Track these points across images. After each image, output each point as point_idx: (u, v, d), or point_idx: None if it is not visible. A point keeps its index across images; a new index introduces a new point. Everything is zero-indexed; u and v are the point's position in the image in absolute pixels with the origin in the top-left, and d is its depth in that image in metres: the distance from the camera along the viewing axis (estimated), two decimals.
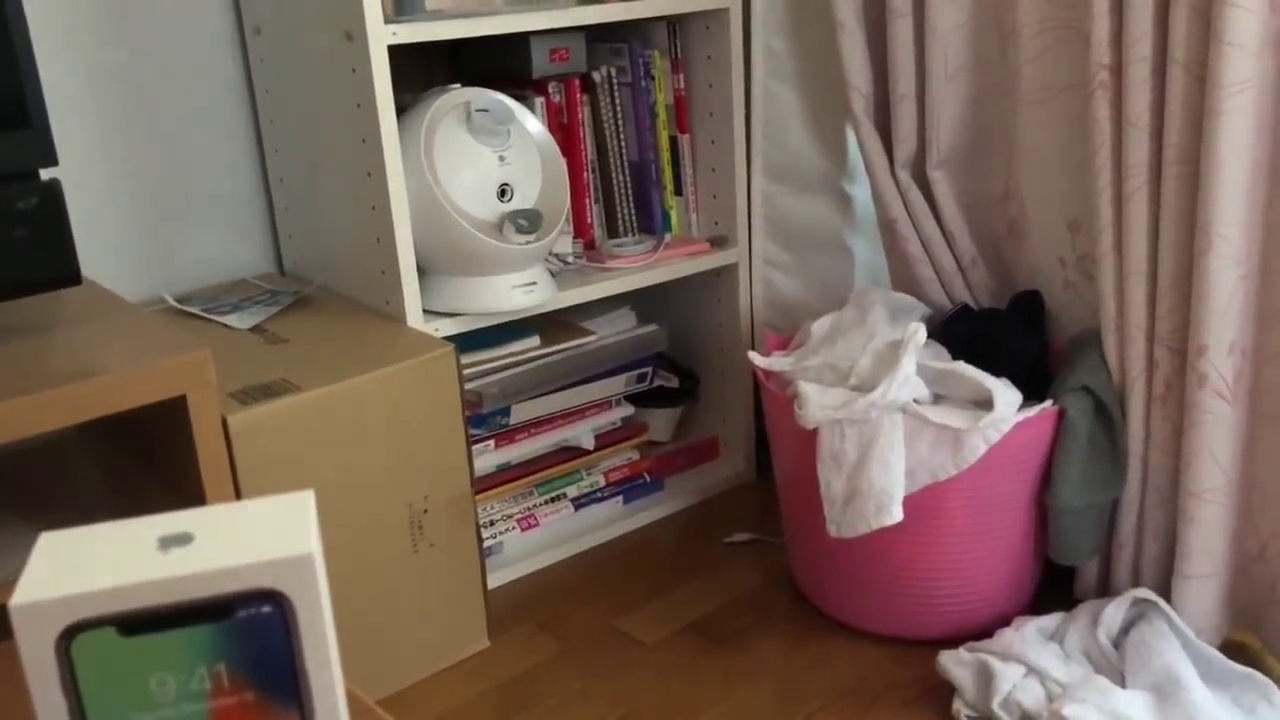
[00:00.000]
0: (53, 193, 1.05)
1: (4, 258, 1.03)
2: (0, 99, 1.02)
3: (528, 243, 1.46)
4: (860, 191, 1.74)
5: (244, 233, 1.69)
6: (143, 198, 1.59)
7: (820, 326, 1.56)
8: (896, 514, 1.31)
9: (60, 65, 1.49)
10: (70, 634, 0.39)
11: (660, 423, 1.90)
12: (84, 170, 1.53)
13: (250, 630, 0.41)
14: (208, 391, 1.08)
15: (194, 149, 1.62)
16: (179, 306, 1.54)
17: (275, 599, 0.41)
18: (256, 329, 1.46)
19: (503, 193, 1.48)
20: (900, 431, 1.32)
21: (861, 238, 1.78)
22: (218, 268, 1.67)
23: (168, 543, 0.42)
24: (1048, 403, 1.35)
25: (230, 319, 1.49)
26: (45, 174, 1.06)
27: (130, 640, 0.40)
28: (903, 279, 1.64)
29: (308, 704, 0.42)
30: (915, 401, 1.34)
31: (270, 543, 0.41)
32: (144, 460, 1.26)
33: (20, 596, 0.39)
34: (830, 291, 1.78)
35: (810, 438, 1.38)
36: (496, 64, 1.65)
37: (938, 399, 1.38)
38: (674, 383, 1.88)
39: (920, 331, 1.36)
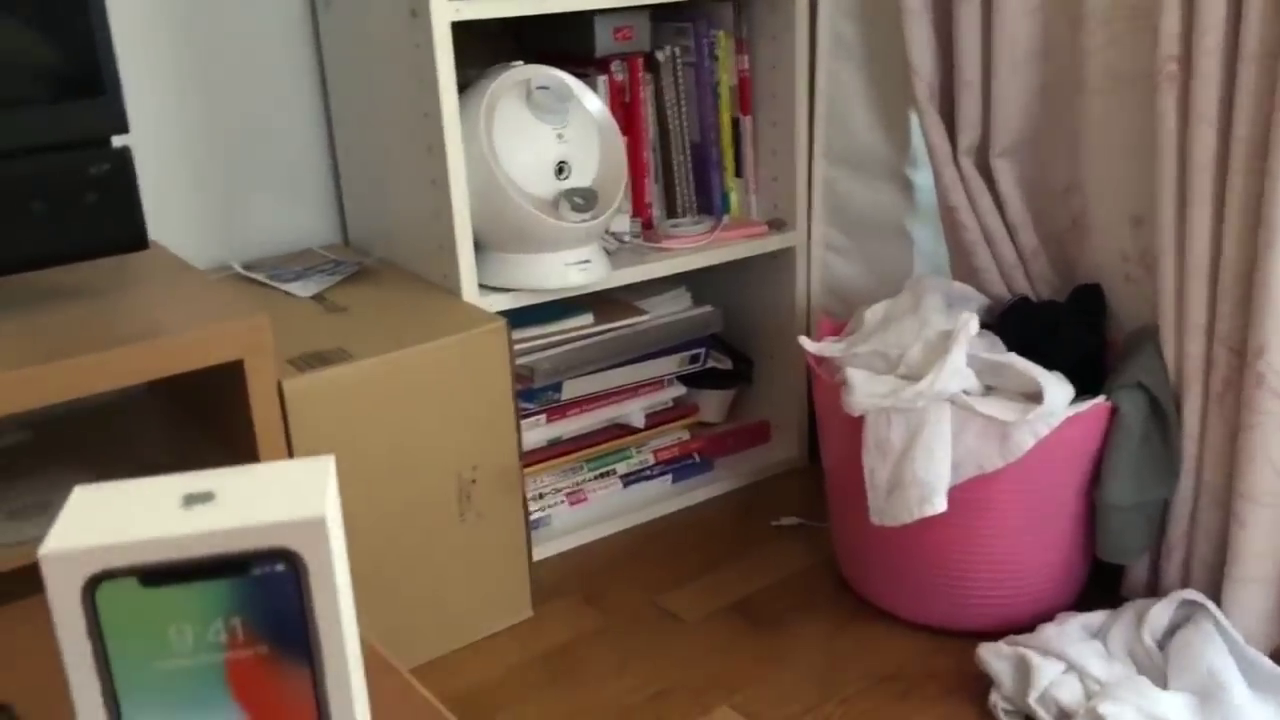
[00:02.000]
0: (123, 159, 1.08)
1: (75, 221, 1.07)
2: (75, 68, 1.06)
3: (583, 221, 1.47)
4: (923, 178, 1.73)
5: (310, 203, 1.72)
6: (214, 166, 1.63)
7: (874, 313, 1.55)
8: (940, 504, 1.30)
9: (135, 35, 1.53)
10: (95, 583, 0.41)
11: (712, 404, 1.91)
12: (157, 138, 1.57)
13: (265, 587, 0.43)
14: (264, 357, 1.11)
15: (264, 120, 1.65)
16: (245, 273, 1.58)
17: (289, 558, 0.42)
18: (317, 297, 1.50)
19: (560, 170, 1.49)
20: (947, 422, 1.31)
21: (923, 225, 1.76)
22: (284, 237, 1.71)
23: (191, 500, 0.44)
24: (1100, 398, 1.33)
25: (293, 287, 1.52)
26: (117, 141, 1.10)
27: (151, 591, 0.42)
28: (962, 268, 1.62)
29: (318, 660, 0.44)
30: (964, 392, 1.33)
31: (287, 504, 0.43)
32: (203, 422, 1.30)
33: (49, 546, 0.41)
34: (889, 278, 1.77)
35: (858, 425, 1.38)
36: (560, 42, 1.66)
37: (988, 390, 1.37)
38: (727, 365, 1.89)
39: (972, 322, 1.35)
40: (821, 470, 1.59)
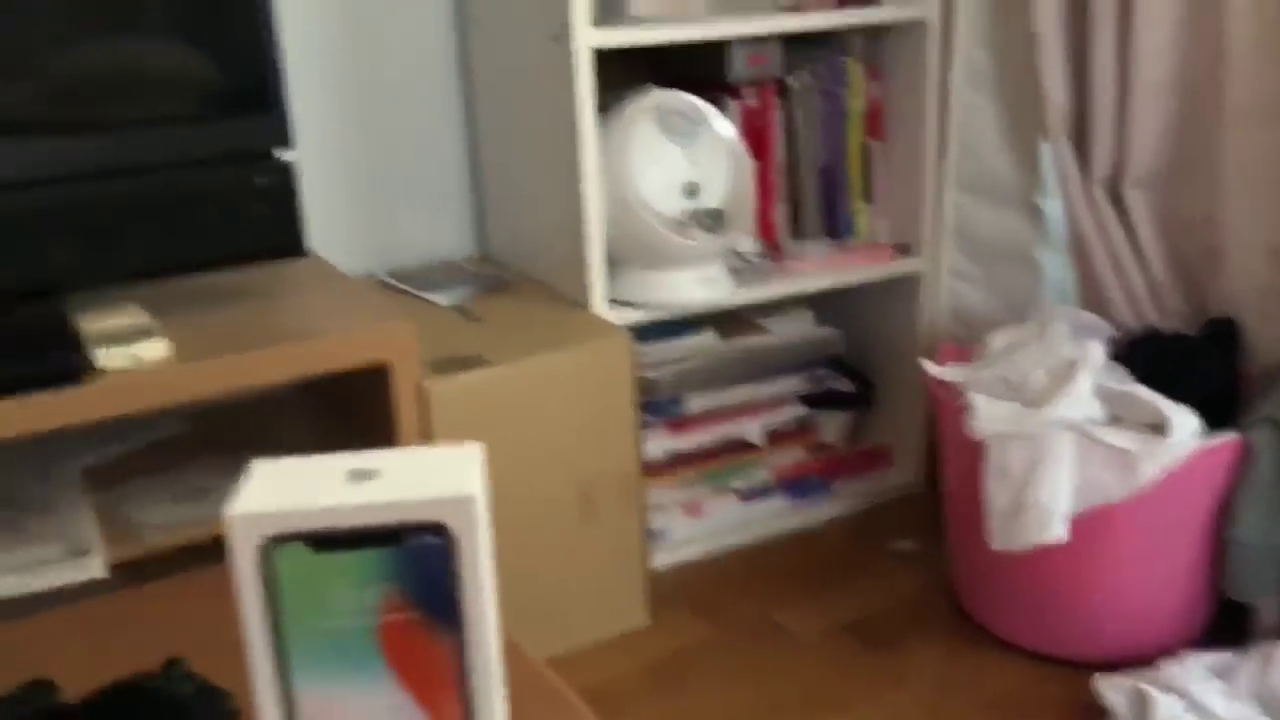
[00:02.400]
0: (288, 172, 1.17)
1: (241, 229, 1.16)
2: (247, 86, 1.15)
3: (710, 240, 1.51)
4: (1053, 206, 1.72)
5: (453, 217, 1.81)
6: (365, 180, 1.72)
7: (999, 340, 1.55)
8: (1060, 532, 1.30)
9: (299, 55, 1.64)
10: (271, 545, 0.47)
11: (832, 426, 1.92)
12: (314, 152, 1.67)
13: (419, 557, 0.47)
14: (409, 360, 1.18)
15: (413, 137, 1.74)
16: (391, 282, 1.67)
17: (441, 532, 0.47)
18: (457, 307, 1.57)
19: (690, 191, 1.54)
20: (1070, 450, 1.30)
21: (1052, 253, 1.75)
22: (427, 248, 1.80)
23: (356, 476, 0.49)
24: (1232, 433, 1.31)
25: (434, 296, 1.60)
26: (282, 155, 1.18)
27: (319, 555, 0.47)
28: (1091, 297, 1.61)
29: (464, 629, 0.49)
30: (1089, 421, 1.32)
31: (442, 483, 0.48)
32: (348, 419, 1.39)
33: (235, 508, 0.47)
34: (1016, 306, 1.76)
35: (978, 450, 1.39)
36: (695, 67, 1.71)
37: (1113, 420, 1.36)
38: (849, 387, 1.90)
39: (1098, 351, 1.34)
40: (940, 497, 1.59)
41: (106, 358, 1.06)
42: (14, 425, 1.02)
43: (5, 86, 1.05)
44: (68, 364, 1.04)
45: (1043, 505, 1.30)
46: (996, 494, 1.36)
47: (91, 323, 1.13)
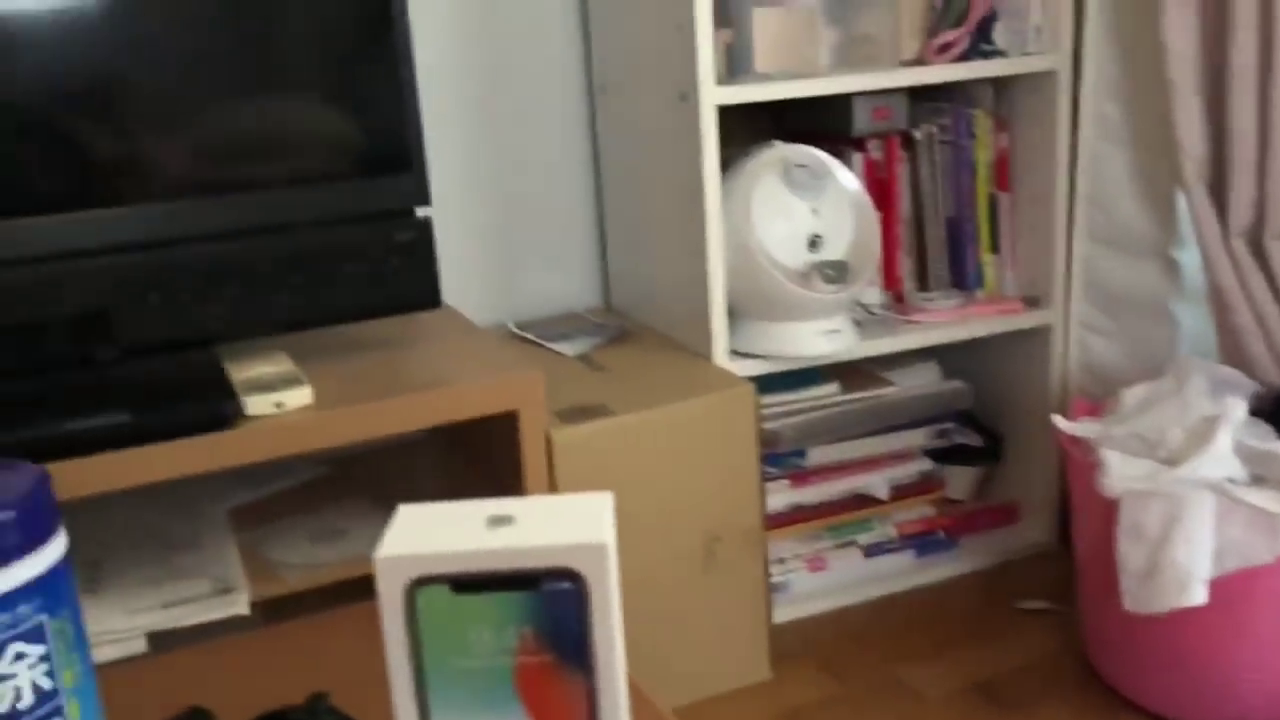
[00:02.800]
0: (425, 228, 1.22)
1: (381, 282, 1.21)
2: (389, 148, 1.21)
3: (833, 292, 1.52)
4: (1189, 258, 1.67)
5: (579, 270, 1.85)
6: (494, 233, 1.78)
7: (1134, 395, 1.51)
8: (1199, 595, 1.25)
9: (435, 117, 1.71)
10: (416, 585, 0.49)
11: (959, 481, 1.89)
12: (449, 209, 1.74)
13: (553, 602, 0.49)
14: (537, 409, 1.22)
15: (542, 193, 1.80)
16: (518, 332, 1.72)
17: (574, 578, 0.49)
18: (582, 357, 1.61)
19: (813, 243, 1.55)
20: (1209, 510, 1.26)
21: (1189, 306, 1.70)
22: (554, 300, 1.84)
23: (494, 522, 0.51)
24: None
25: (560, 346, 1.64)
26: (420, 212, 1.24)
27: (459, 597, 0.49)
28: (1231, 352, 1.56)
29: (594, 673, 0.50)
30: (1229, 480, 1.28)
31: (574, 530, 0.50)
32: (476, 465, 1.42)
33: (384, 550, 0.49)
34: (1150, 360, 1.71)
35: (1112, 508, 1.35)
36: (818, 121, 1.73)
37: (1256, 480, 1.31)
38: (976, 441, 1.87)
39: (1239, 407, 1.30)
40: (1071, 555, 1.55)
41: (255, 405, 1.12)
42: (169, 468, 1.09)
43: (164, 150, 1.13)
44: (219, 410, 1.10)
45: (1180, 567, 1.26)
46: (1131, 554, 1.32)
47: (241, 371, 1.19)
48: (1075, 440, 1.48)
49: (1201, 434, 1.33)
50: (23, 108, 1.08)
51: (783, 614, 1.69)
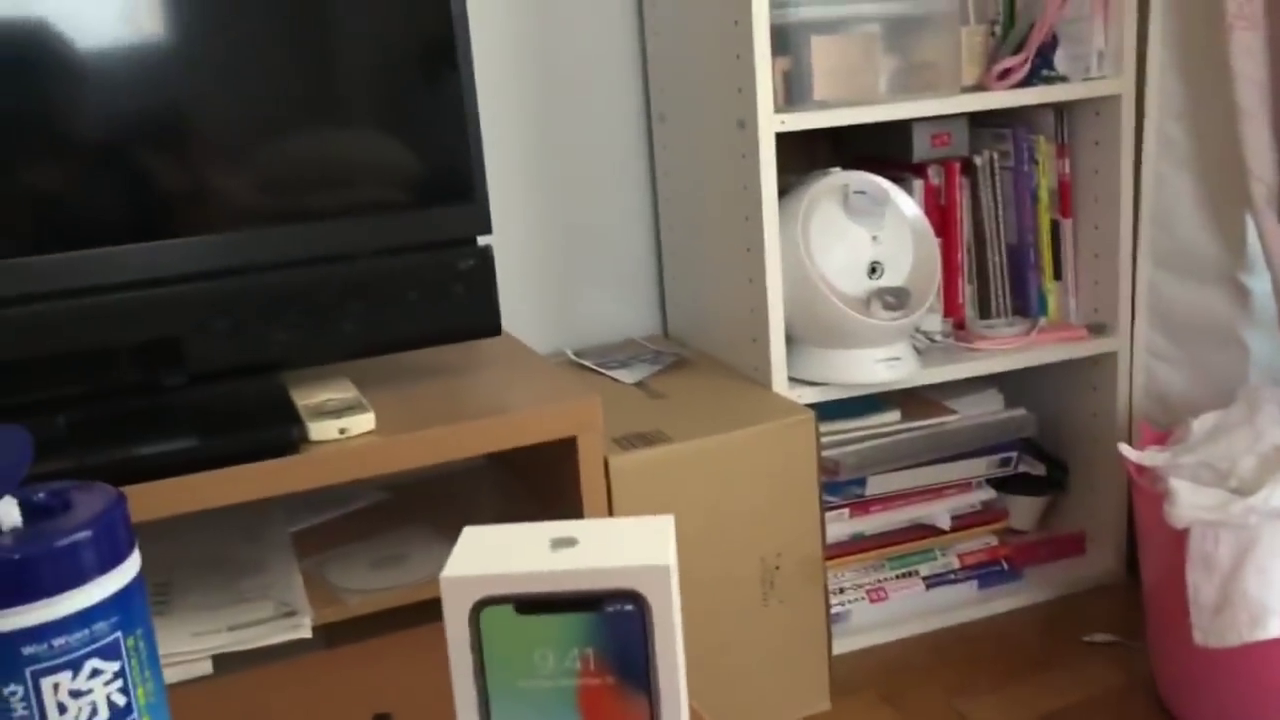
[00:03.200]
0: (486, 256, 1.24)
1: (443, 310, 1.23)
2: (451, 178, 1.23)
3: (894, 319, 1.51)
4: (1260, 284, 1.64)
5: (636, 298, 1.86)
6: (553, 262, 1.80)
7: (1203, 423, 1.48)
8: (1274, 629, 1.22)
9: (494, 142, 1.73)
10: (480, 606, 0.50)
11: (1023, 511, 1.86)
12: (509, 237, 1.76)
13: (615, 623, 0.49)
14: (595, 435, 1.22)
15: (599, 222, 1.81)
16: (576, 360, 1.73)
17: (637, 600, 0.49)
18: (640, 384, 1.61)
19: (873, 270, 1.54)
20: None
21: (1260, 333, 1.67)
22: (612, 327, 1.85)
23: (558, 544, 0.51)
24: None
25: (618, 373, 1.65)
26: (481, 240, 1.25)
27: (523, 618, 0.49)
28: None
29: (656, 695, 0.50)
30: None
31: (637, 552, 0.50)
32: (534, 491, 1.43)
33: (449, 571, 0.50)
34: (1219, 388, 1.68)
35: (1181, 539, 1.32)
36: (877, 147, 1.72)
37: None
38: (1040, 471, 1.84)
39: None
40: (1139, 587, 1.52)
41: (319, 430, 1.13)
42: (235, 492, 1.10)
43: (232, 182, 1.16)
44: (285, 436, 1.12)
45: (1252, 599, 1.23)
46: (1201, 586, 1.29)
47: (306, 397, 1.21)
48: (1142, 469, 1.46)
49: (1274, 463, 1.30)
50: (96, 142, 1.11)
51: (843, 645, 1.67)
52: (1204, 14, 1.56)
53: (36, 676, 0.47)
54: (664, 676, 0.50)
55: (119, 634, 0.49)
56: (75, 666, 0.48)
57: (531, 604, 0.49)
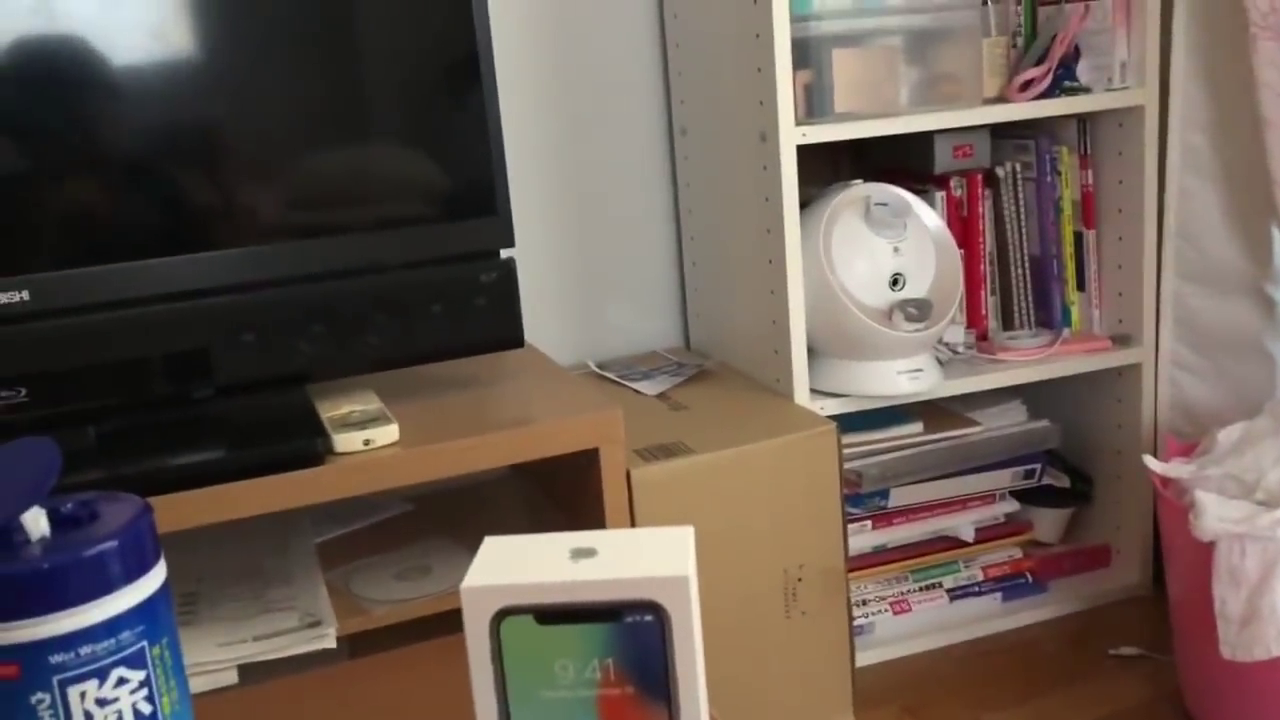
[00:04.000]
0: (509, 269, 1.24)
1: (466, 322, 1.24)
2: (475, 192, 1.24)
3: (916, 330, 1.51)
4: None
5: (659, 309, 1.87)
6: (575, 274, 1.81)
7: (1229, 435, 1.47)
8: None
9: (516, 155, 1.74)
10: (501, 616, 0.50)
11: (1047, 523, 1.85)
12: (532, 250, 1.77)
13: (635, 634, 0.50)
14: (617, 447, 1.22)
15: (622, 234, 1.82)
16: (598, 371, 1.73)
17: (656, 610, 0.49)
18: (662, 395, 1.62)
19: (895, 281, 1.54)
20: None
21: None
22: (634, 339, 1.86)
23: (578, 554, 0.52)
24: None
25: (640, 385, 1.65)
26: (504, 253, 1.26)
27: (544, 628, 0.50)
28: None
29: (676, 706, 0.51)
30: None
31: (656, 563, 0.50)
32: (557, 501, 1.44)
33: (469, 581, 0.50)
34: (1245, 399, 1.67)
35: (1207, 551, 1.31)
36: (899, 159, 1.72)
37: None
38: (1064, 483, 1.83)
39: None
40: (1165, 599, 1.50)
41: (344, 442, 1.14)
42: (261, 503, 1.11)
43: (259, 196, 1.17)
44: (310, 448, 1.13)
45: None
46: (1228, 599, 1.28)
47: (330, 409, 1.22)
48: (1168, 481, 1.45)
49: None
50: (126, 158, 1.13)
51: (866, 657, 1.67)
52: (1227, 24, 1.55)
53: (63, 685, 0.48)
54: (684, 687, 0.50)
55: (144, 643, 0.50)
56: (102, 675, 0.49)
57: (552, 614, 0.50)
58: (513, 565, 0.51)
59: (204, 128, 1.14)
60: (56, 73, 1.08)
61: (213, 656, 1.15)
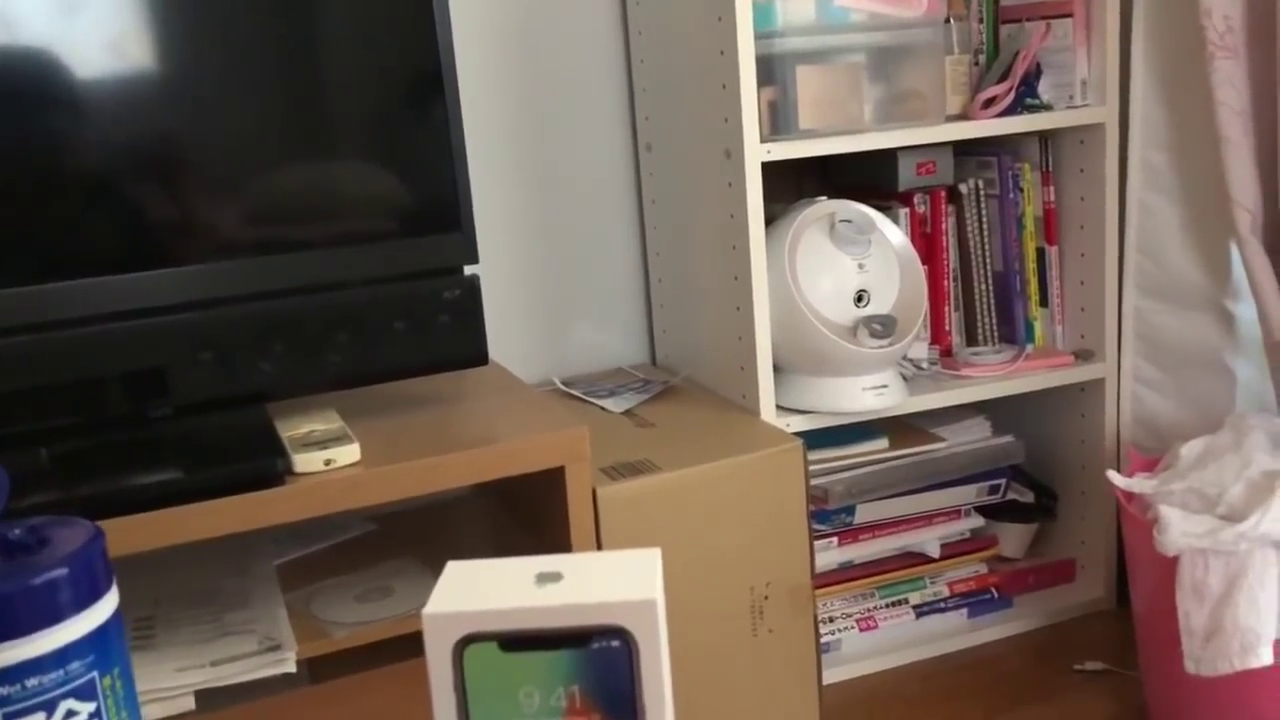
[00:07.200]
0: (473, 286, 1.23)
1: (430, 339, 1.22)
2: (437, 207, 1.22)
3: (880, 347, 1.51)
4: (1245, 310, 1.64)
5: (624, 326, 1.86)
6: (540, 290, 1.79)
7: (1190, 449, 1.48)
8: (1265, 656, 1.21)
9: (480, 171, 1.73)
10: (464, 643, 0.49)
11: (1012, 538, 1.86)
12: (496, 267, 1.76)
13: (601, 660, 0.49)
14: (582, 465, 1.21)
15: (587, 250, 1.81)
16: (564, 389, 1.72)
17: (623, 635, 0.48)
18: (628, 413, 1.61)
19: (859, 298, 1.54)
20: (1275, 568, 1.23)
21: (1245, 359, 1.67)
22: (600, 356, 1.85)
23: (543, 579, 0.51)
24: None
25: (606, 402, 1.64)
26: (468, 270, 1.25)
27: (508, 655, 0.49)
28: None
29: None
30: None
31: (623, 587, 0.49)
32: (522, 520, 1.42)
33: (431, 608, 0.49)
34: (1206, 414, 1.68)
35: (1171, 566, 1.32)
36: (863, 176, 1.73)
37: None
38: (1029, 498, 1.84)
39: None
40: (1130, 614, 1.51)
41: (304, 462, 1.12)
42: (219, 524, 1.09)
43: (218, 212, 1.15)
44: (269, 468, 1.11)
45: (1244, 627, 1.22)
46: (1192, 614, 1.29)
47: (291, 428, 1.20)
48: (1131, 496, 1.46)
49: (1263, 489, 1.30)
50: (82, 174, 1.10)
51: (835, 674, 1.66)
52: (1185, 43, 1.57)
53: (9, 719, 0.46)
54: (652, 712, 0.49)
55: (95, 673, 0.48)
56: (49, 708, 0.47)
57: (516, 641, 0.48)
58: (476, 591, 0.50)
59: (162, 142, 1.12)
60: (13, 87, 1.06)
61: (169, 682, 1.13)
